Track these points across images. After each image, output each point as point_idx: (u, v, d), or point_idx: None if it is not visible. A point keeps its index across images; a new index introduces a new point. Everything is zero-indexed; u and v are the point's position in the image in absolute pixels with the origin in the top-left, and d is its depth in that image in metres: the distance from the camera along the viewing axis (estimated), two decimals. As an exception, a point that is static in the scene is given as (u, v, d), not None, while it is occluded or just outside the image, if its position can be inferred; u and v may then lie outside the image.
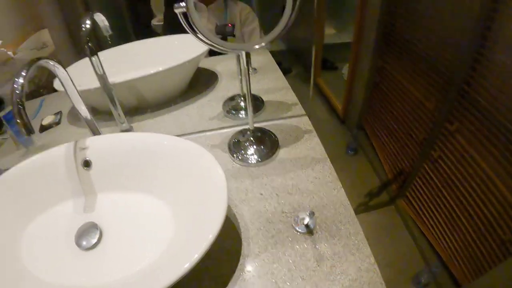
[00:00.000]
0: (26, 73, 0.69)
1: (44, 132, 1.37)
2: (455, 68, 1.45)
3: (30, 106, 1.57)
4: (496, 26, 1.24)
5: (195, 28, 0.71)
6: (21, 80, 0.67)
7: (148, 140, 0.81)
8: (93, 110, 1.28)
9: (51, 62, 0.80)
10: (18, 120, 0.66)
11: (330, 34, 3.24)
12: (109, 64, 1.01)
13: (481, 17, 1.28)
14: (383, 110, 2.13)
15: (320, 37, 2.90)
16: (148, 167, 0.81)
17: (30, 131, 0.68)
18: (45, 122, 1.42)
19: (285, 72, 1.33)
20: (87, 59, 0.95)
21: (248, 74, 0.81)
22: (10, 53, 2.04)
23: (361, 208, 1.97)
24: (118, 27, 2.02)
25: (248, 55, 0.79)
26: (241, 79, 1.13)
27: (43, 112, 1.51)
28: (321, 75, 3.08)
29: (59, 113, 1.46)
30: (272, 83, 1.24)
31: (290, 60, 1.76)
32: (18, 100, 0.65)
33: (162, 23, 2.61)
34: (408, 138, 1.86)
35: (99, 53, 0.96)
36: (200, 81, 1.33)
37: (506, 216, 1.24)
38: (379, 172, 2.17)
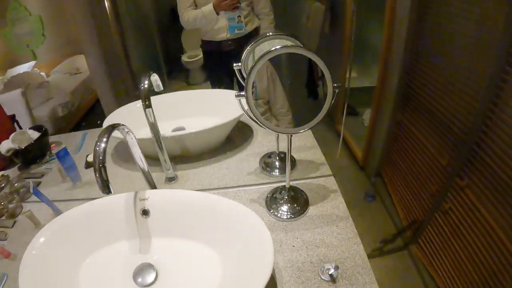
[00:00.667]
0: (107, 138, 0.82)
1: (90, 169, 1.46)
2: (467, 130, 1.59)
3: (72, 139, 1.70)
4: (505, 95, 1.37)
5: (251, 115, 0.86)
6: (103, 145, 0.81)
7: (203, 199, 0.94)
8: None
9: (126, 129, 0.93)
10: (100, 180, 0.79)
11: (352, 77, 3.20)
12: (156, 111, 1.13)
13: (491, 87, 1.42)
14: (401, 161, 2.26)
15: (343, 83, 2.98)
16: (201, 220, 0.94)
17: (109, 190, 0.80)
18: (91, 159, 1.50)
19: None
20: (130, 105, 1.08)
21: (289, 148, 0.96)
22: (43, 74, 2.22)
23: (376, 253, 2.06)
24: (150, 57, 2.20)
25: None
26: (277, 138, 1.25)
27: (86, 146, 1.59)
28: (341, 121, 3.16)
29: (103, 151, 1.57)
30: (302, 141, 1.36)
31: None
32: (100, 163, 0.79)
33: (192, 60, 2.79)
34: (423, 189, 1.99)
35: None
36: (237, 133, 1.45)
37: (509, 266, 1.35)
38: (394, 219, 2.27)
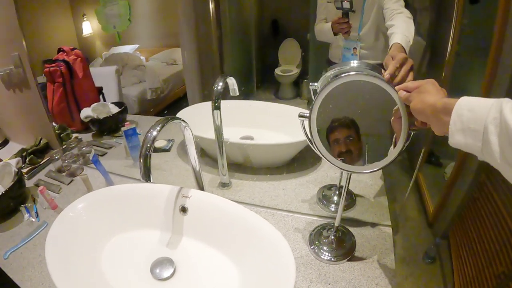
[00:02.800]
0: (161, 128, 0.82)
1: (154, 154, 1.52)
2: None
3: (148, 122, 1.72)
4: None
5: (313, 142, 0.81)
6: (154, 133, 0.81)
7: (242, 215, 0.89)
8: (202, 151, 1.42)
9: (183, 124, 0.92)
10: (143, 166, 0.79)
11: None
12: (227, 112, 1.13)
13: None
14: (473, 228, 2.06)
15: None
16: (234, 235, 0.90)
17: (149, 178, 0.80)
18: (158, 145, 1.58)
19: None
20: (209, 103, 1.08)
21: (346, 187, 0.90)
22: (143, 58, 2.33)
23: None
24: (243, 64, 2.21)
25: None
26: (342, 172, 1.16)
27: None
28: (422, 169, 2.98)
29: (172, 141, 1.62)
30: (370, 180, 1.26)
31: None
32: (147, 150, 0.79)
33: (285, 74, 2.78)
34: (488, 265, 1.79)
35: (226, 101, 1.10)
36: (304, 157, 1.37)
37: None
38: (448, 290, 2.06)
